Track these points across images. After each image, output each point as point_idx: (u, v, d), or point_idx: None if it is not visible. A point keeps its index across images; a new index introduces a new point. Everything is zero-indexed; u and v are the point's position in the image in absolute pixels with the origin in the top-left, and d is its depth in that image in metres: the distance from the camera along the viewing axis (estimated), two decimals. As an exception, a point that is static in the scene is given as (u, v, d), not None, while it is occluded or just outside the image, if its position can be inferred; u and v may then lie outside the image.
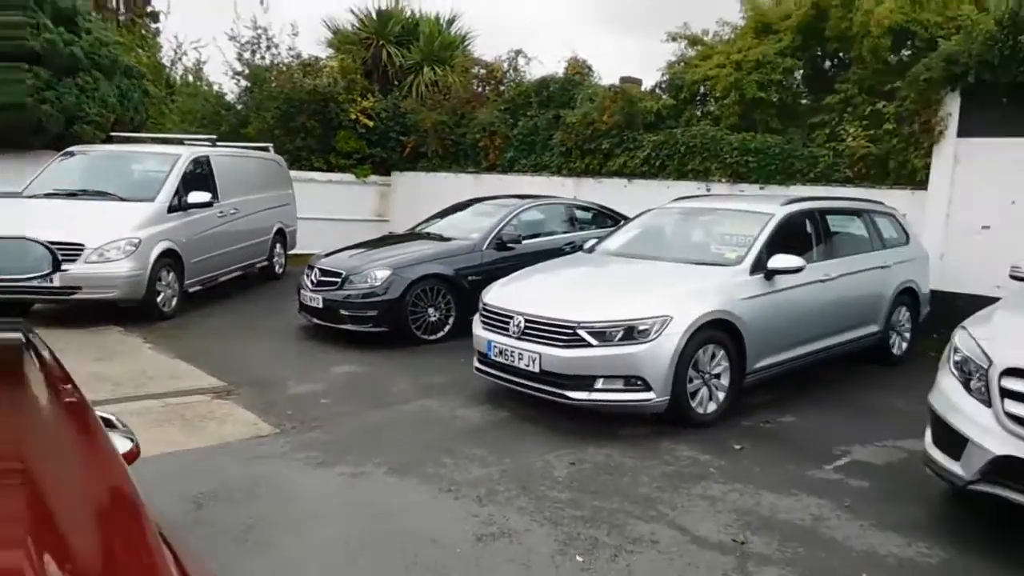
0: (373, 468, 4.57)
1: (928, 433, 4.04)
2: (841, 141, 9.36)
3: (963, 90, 8.24)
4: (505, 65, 14.71)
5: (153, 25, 22.40)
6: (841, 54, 10.52)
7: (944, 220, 8.44)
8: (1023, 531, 3.84)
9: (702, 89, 11.34)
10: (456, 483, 4.37)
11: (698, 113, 11.41)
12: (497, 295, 6.05)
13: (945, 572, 3.49)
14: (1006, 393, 3.52)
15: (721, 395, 5.53)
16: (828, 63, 10.91)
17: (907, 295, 7.33)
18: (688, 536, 3.77)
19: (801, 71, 10.75)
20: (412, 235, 9.30)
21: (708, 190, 10.24)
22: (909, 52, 9.45)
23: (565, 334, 5.26)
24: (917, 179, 8.69)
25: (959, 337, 4.01)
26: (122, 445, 1.63)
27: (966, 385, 3.79)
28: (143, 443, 4.43)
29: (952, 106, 8.35)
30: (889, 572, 3.48)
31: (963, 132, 8.32)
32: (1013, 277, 5.03)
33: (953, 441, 3.73)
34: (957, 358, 3.93)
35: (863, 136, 9.11)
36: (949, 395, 3.86)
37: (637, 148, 11.23)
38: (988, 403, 3.59)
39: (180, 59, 19.84)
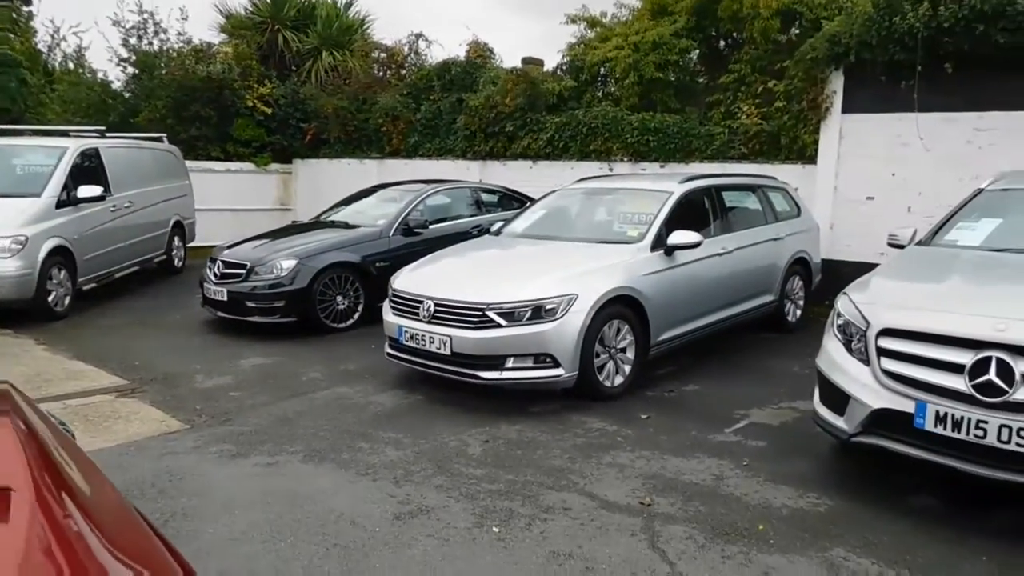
0: (288, 457, 4.55)
1: (816, 393, 4.34)
2: (736, 119, 9.77)
3: (846, 69, 8.73)
4: (406, 49, 14.64)
5: (25, 8, 21.05)
6: (734, 34, 10.96)
7: (832, 192, 8.95)
8: (899, 479, 4.17)
9: (602, 71, 11.60)
10: (372, 466, 4.40)
11: (599, 94, 11.66)
12: (406, 280, 6.07)
13: (832, 518, 3.78)
14: (882, 352, 3.81)
15: (627, 368, 5.75)
16: (722, 43, 11.35)
17: (800, 265, 7.76)
18: (598, 502, 3.94)
19: (697, 52, 11.13)
20: (317, 224, 9.17)
21: (611, 169, 10.51)
22: (797, 32, 9.93)
23: (474, 316, 5.35)
24: (807, 154, 9.18)
25: (841, 302, 4.32)
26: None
27: (848, 346, 4.08)
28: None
29: (836, 84, 8.83)
30: (783, 521, 3.74)
31: (847, 108, 8.82)
32: (891, 244, 5.40)
33: (837, 399, 4.03)
34: (840, 322, 4.22)
35: (756, 114, 9.55)
36: (833, 356, 4.16)
37: (540, 130, 11.40)
38: (867, 362, 3.89)
39: (58, 45, 18.76)
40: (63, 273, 8.40)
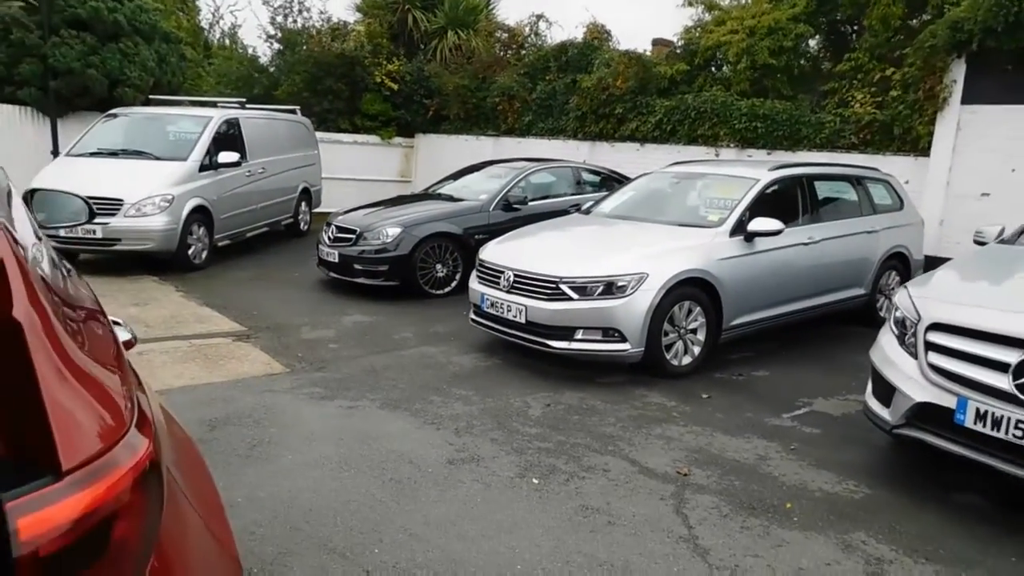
0: (368, 403, 5.07)
1: (869, 385, 4.39)
2: (849, 108, 9.51)
3: (968, 57, 8.34)
4: (527, 30, 14.95)
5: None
6: (858, 21, 10.59)
7: (944, 187, 8.61)
8: (948, 476, 4.18)
9: (716, 55, 11.49)
10: (439, 417, 4.84)
11: (711, 79, 11.57)
12: (492, 252, 6.46)
13: (865, 505, 3.87)
14: (930, 346, 3.84)
15: (697, 349, 5.91)
16: (844, 29, 10.98)
17: (897, 259, 7.55)
18: (637, 467, 4.20)
19: (816, 37, 10.84)
20: (424, 195, 9.73)
21: (717, 155, 10.47)
22: (919, 19, 9.51)
23: (549, 288, 5.67)
24: (920, 146, 8.85)
25: (899, 296, 4.33)
26: (123, 335, 2.08)
27: (901, 340, 4.12)
28: (169, 378, 5.01)
29: (957, 73, 8.46)
30: (813, 502, 3.87)
31: (967, 99, 8.44)
32: (976, 241, 5.28)
33: (885, 391, 4.08)
34: (897, 315, 4.25)
35: (870, 103, 9.26)
36: (885, 349, 4.20)
37: (649, 113, 11.47)
38: (915, 356, 3.92)
39: (217, 23, 20.41)
40: (202, 230, 9.38)
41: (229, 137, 10.11)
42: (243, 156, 10.14)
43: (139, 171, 9.12)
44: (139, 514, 0.96)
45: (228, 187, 9.90)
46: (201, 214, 9.33)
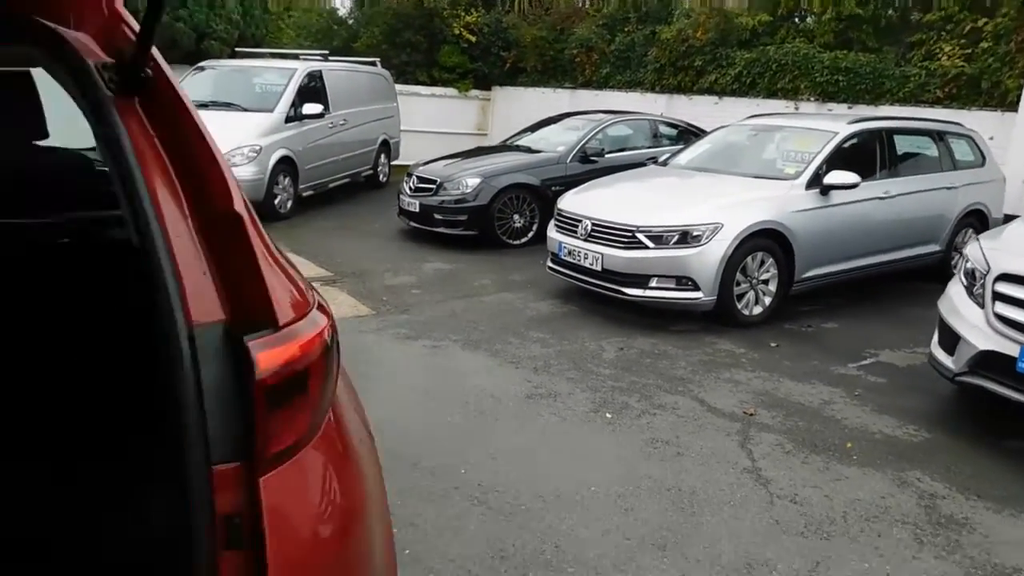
0: (450, 343, 5.44)
1: (935, 335, 4.50)
2: (935, 60, 9.27)
3: (1067, 7, 8.03)
4: (606, -21, 14.81)
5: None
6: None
7: (1032, 144, 8.37)
8: (1004, 424, 4.28)
9: (800, 5, 11.25)
10: (518, 357, 5.18)
11: (793, 30, 11.36)
12: (570, 201, 6.70)
13: (923, 447, 4.04)
14: (997, 296, 3.95)
15: (768, 299, 6.06)
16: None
17: (975, 217, 7.44)
18: (705, 407, 4.46)
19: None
20: (503, 147, 9.97)
21: (796, 109, 10.35)
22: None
23: (625, 237, 5.90)
24: (1008, 101, 8.60)
25: (970, 248, 4.41)
26: None
27: (969, 291, 4.22)
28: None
29: (1053, 24, 8.15)
30: (873, 443, 4.06)
31: (1063, 52, 8.14)
32: (1058, 198, 5.25)
33: (950, 339, 4.21)
34: (967, 267, 4.34)
35: (958, 55, 9.00)
36: (953, 299, 4.31)
37: (729, 66, 11.38)
38: (982, 305, 4.03)
39: (297, -26, 20.71)
40: (287, 180, 9.83)
41: (312, 89, 10.47)
42: (326, 108, 10.49)
43: (228, 122, 9.50)
44: (323, 374, 1.30)
45: (312, 138, 10.31)
46: (286, 165, 9.73)
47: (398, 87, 13.55)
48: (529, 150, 9.42)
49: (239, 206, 1.26)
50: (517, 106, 14.95)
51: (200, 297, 1.18)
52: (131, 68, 1.25)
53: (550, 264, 6.77)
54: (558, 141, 9.40)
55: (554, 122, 10.31)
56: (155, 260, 1.17)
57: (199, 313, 1.17)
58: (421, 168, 9.17)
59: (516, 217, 8.66)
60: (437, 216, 8.59)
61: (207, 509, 1.14)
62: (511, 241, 8.64)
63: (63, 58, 1.23)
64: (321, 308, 1.39)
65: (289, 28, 17.56)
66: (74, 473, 1.97)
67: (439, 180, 8.67)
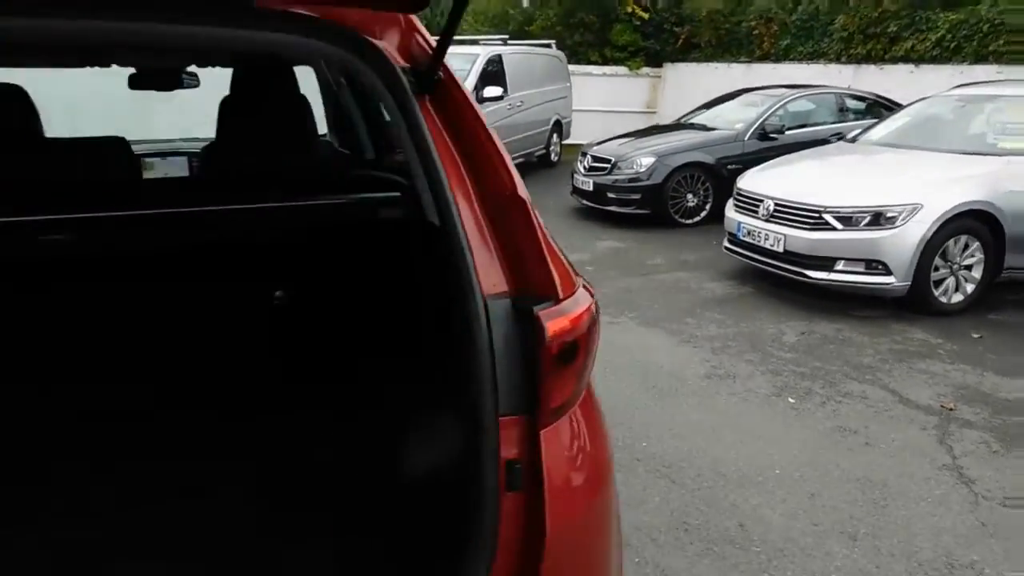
0: (627, 320, 5.48)
1: None
2: None
3: None
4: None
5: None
6: None
7: None
8: None
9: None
10: (695, 336, 5.14)
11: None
12: (750, 180, 6.50)
13: None
14: None
15: (970, 287, 5.59)
16: None
17: None
18: (897, 397, 4.22)
19: None
20: (678, 125, 9.79)
21: (998, 74, 9.36)
22: None
23: (811, 217, 5.65)
24: None
25: None
26: None
27: None
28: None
29: None
30: (1098, 447, 3.68)
31: None
32: None
33: None
34: None
35: None
36: None
37: (930, 29, 10.46)
38: None
39: (473, -41, 21.27)
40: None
41: (492, 73, 10.80)
42: (505, 90, 10.79)
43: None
44: (588, 345, 1.45)
45: (491, 120, 10.43)
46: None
47: (571, 67, 13.63)
48: (704, 128, 9.20)
49: (523, 192, 1.42)
50: (688, 83, 14.58)
51: (487, 271, 1.36)
52: (426, 72, 1.44)
53: (727, 244, 6.62)
54: (735, 118, 9.12)
55: (731, 98, 9.98)
56: (454, 238, 1.35)
57: (488, 286, 1.35)
58: (596, 147, 9.21)
59: (689, 196, 8.51)
60: (610, 195, 8.61)
61: (494, 452, 1.32)
62: (683, 220, 8.52)
63: (375, 63, 1.41)
64: (585, 287, 1.54)
65: (467, 14, 18.08)
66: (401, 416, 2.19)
67: (613, 159, 8.68)
